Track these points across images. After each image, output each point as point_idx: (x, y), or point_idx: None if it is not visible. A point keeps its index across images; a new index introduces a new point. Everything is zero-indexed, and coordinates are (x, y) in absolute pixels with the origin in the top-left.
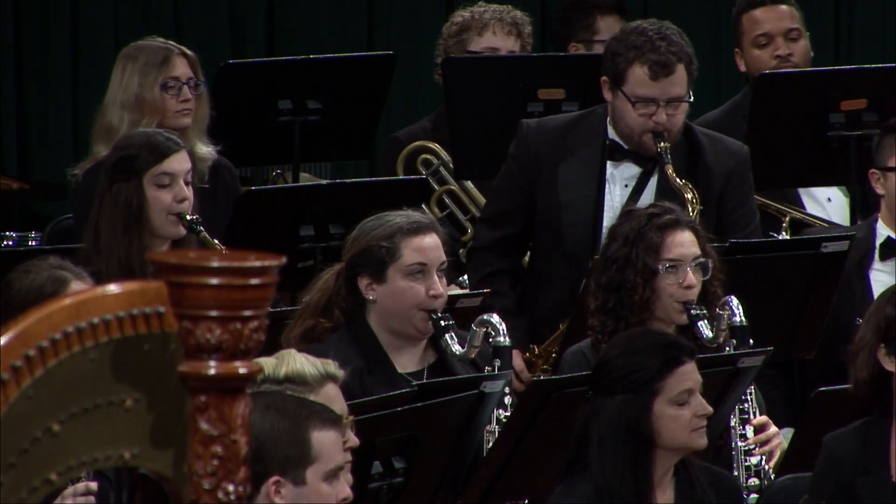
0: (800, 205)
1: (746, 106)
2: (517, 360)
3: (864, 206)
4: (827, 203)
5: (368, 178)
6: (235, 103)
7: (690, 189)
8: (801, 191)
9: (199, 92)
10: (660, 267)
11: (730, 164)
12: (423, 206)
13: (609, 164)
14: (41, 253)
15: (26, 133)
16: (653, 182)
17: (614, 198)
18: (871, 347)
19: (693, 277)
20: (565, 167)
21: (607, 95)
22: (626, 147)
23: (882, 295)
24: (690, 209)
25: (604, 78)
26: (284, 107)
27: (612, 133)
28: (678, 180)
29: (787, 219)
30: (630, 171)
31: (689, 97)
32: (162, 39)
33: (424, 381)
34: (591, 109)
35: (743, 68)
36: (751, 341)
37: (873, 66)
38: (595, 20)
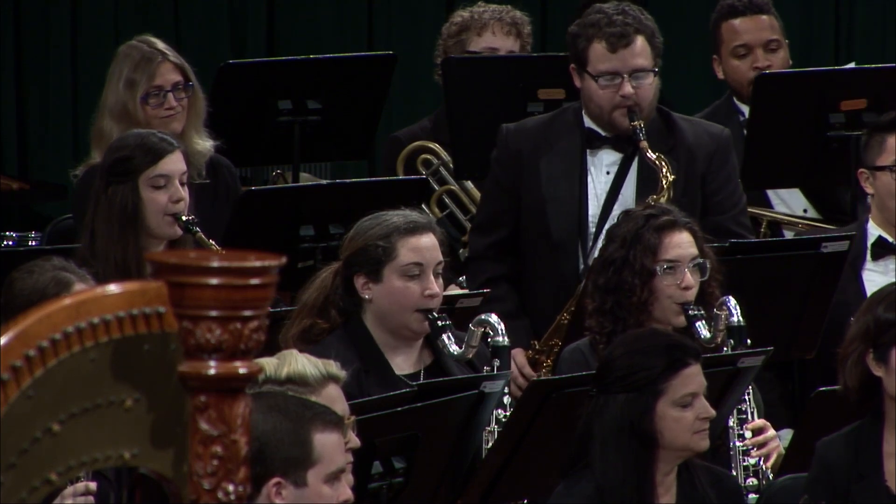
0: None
1: (724, 112)
2: (520, 357)
3: (827, 210)
4: (803, 213)
5: (368, 178)
6: (235, 103)
7: (665, 162)
8: (776, 201)
9: (187, 94)
10: (657, 268)
11: (711, 146)
12: (423, 206)
13: (588, 152)
14: (41, 253)
15: (26, 133)
16: (634, 167)
17: (597, 185)
18: (859, 352)
19: (691, 278)
20: (546, 161)
21: (577, 82)
22: (602, 134)
23: (871, 298)
24: (664, 182)
25: (571, 65)
26: (284, 107)
27: (588, 122)
28: (652, 154)
29: (765, 222)
30: (610, 157)
31: (655, 69)
32: (154, 41)
33: (424, 381)
34: (569, 105)
35: (721, 76)
36: (748, 341)
37: (873, 66)
38: None
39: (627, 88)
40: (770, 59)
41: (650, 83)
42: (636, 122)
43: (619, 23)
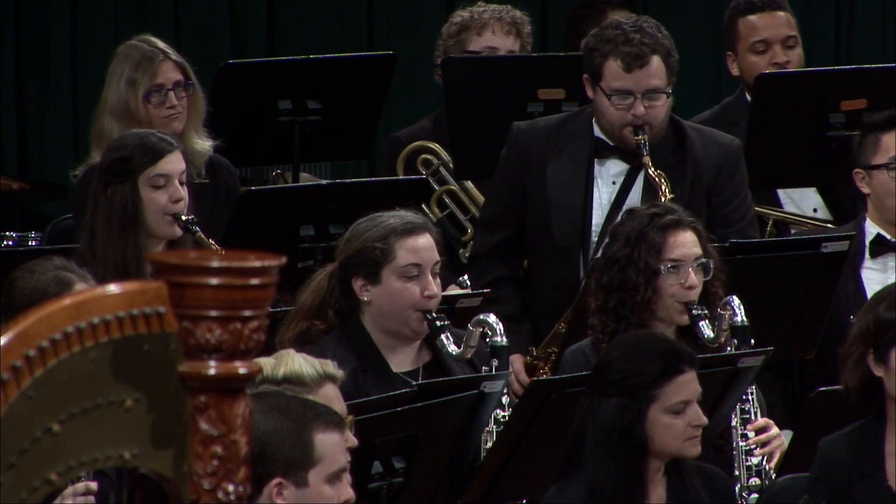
0: (780, 207)
1: (736, 109)
2: (517, 363)
3: (840, 210)
4: (812, 213)
5: (368, 178)
6: (235, 103)
7: (665, 179)
8: (786, 200)
9: (188, 93)
10: (661, 267)
11: (719, 157)
12: (423, 206)
13: (595, 161)
14: (41, 253)
15: (26, 133)
16: (640, 179)
17: (602, 195)
18: (860, 352)
19: (694, 278)
20: (554, 165)
21: (590, 93)
22: (611, 144)
23: (873, 297)
24: (662, 200)
25: (585, 76)
26: (284, 107)
27: (597, 131)
28: (653, 171)
29: (771, 221)
30: (617, 167)
31: (669, 89)
32: (154, 40)
33: (424, 381)
34: (581, 109)
35: (735, 72)
36: (752, 341)
37: (873, 66)
38: (606, 17)
39: (640, 109)
40: (788, 56)
41: (662, 104)
42: (640, 137)
43: (635, 42)
